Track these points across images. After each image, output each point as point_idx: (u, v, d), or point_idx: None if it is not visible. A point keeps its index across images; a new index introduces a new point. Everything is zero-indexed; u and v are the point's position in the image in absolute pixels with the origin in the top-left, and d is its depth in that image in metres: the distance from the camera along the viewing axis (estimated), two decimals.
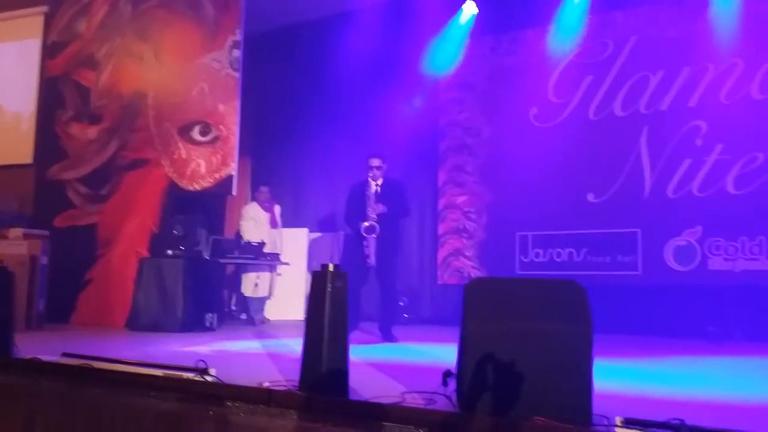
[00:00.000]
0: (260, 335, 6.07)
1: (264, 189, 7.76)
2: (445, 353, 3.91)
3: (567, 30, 7.21)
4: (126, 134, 7.52)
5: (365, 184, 5.70)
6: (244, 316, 7.72)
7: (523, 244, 7.26)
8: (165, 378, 3.09)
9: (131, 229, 7.20)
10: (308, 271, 7.83)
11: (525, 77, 7.46)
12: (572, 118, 7.19)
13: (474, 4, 7.71)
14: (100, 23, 7.90)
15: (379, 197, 5.64)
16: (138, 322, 6.26)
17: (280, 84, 8.64)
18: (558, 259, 7.03)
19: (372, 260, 5.51)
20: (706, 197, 6.38)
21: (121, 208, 7.34)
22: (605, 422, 2.34)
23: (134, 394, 3.01)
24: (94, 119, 7.74)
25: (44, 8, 8.36)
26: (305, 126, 8.50)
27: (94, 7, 7.95)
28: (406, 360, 4.44)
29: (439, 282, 7.82)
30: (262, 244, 7.23)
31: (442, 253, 7.82)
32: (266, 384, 2.98)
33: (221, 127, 7.06)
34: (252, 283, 7.40)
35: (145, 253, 6.94)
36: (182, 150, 7.19)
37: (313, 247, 8.27)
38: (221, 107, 7.09)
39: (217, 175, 7.04)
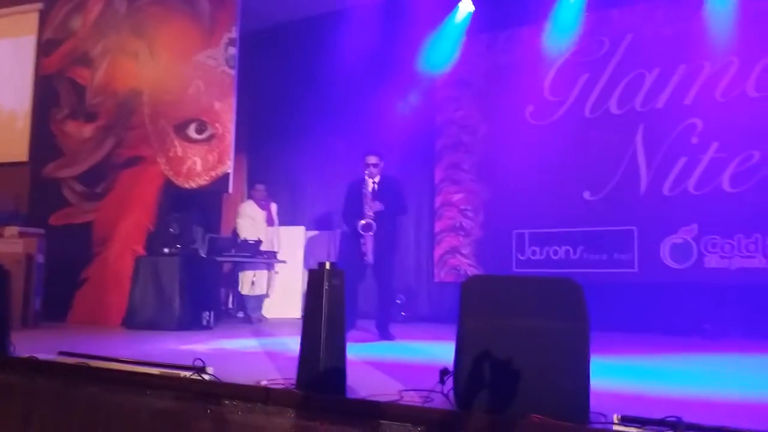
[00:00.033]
0: (257, 333, 6.07)
1: (260, 187, 7.75)
2: (442, 351, 3.91)
3: (563, 28, 7.22)
4: (121, 132, 7.49)
5: (362, 182, 5.69)
6: (241, 315, 7.72)
7: (519, 242, 7.27)
8: (162, 376, 3.09)
9: (127, 227, 7.19)
10: (305, 269, 7.82)
11: (521, 75, 7.47)
12: (568, 115, 7.20)
13: (470, 1, 7.70)
14: (95, 20, 7.87)
15: (376, 195, 5.63)
16: (134, 321, 6.24)
17: (276, 82, 8.62)
18: (555, 257, 7.05)
19: (369, 258, 5.51)
20: (702, 195, 6.40)
21: (117, 206, 7.32)
22: (602, 420, 2.34)
23: (131, 393, 3.00)
24: (90, 117, 7.72)
25: (39, 5, 8.33)
26: (301, 124, 8.49)
27: (89, 4, 7.92)
28: (404, 358, 4.45)
29: (435, 280, 7.82)
30: (258, 242, 7.22)
31: (438, 251, 7.82)
32: (264, 382, 2.98)
33: (217, 124, 7.05)
34: (249, 281, 7.40)
35: (141, 251, 6.92)
36: (178, 148, 7.17)
37: (309, 245, 8.26)
38: (217, 105, 7.07)
39: (213, 173, 7.03)
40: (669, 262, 6.47)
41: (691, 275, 6.34)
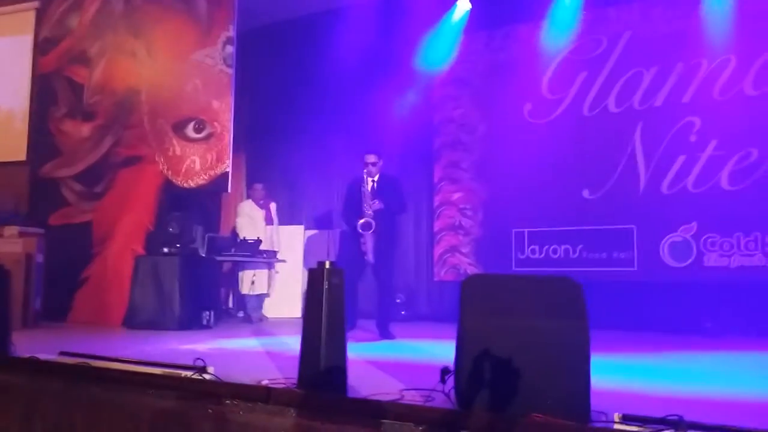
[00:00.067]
0: (258, 333, 6.07)
1: (258, 186, 7.74)
2: (442, 350, 3.92)
3: (560, 26, 7.22)
4: (120, 131, 7.49)
5: (361, 181, 5.70)
6: (241, 314, 7.72)
7: (519, 241, 7.28)
8: (163, 376, 3.09)
9: (126, 226, 7.18)
10: (305, 269, 7.82)
11: (519, 73, 7.47)
12: (566, 114, 7.20)
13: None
14: (92, 19, 7.86)
15: (376, 193, 5.64)
16: (135, 320, 6.24)
17: (274, 80, 8.62)
18: (554, 256, 7.05)
19: (370, 257, 5.51)
20: (700, 193, 6.41)
21: (116, 205, 7.31)
22: (603, 419, 2.35)
23: (132, 393, 3.00)
24: (88, 116, 7.71)
25: (36, 3, 8.31)
26: (300, 123, 8.48)
27: (85, 2, 7.91)
28: (404, 357, 4.45)
29: (435, 279, 7.82)
30: (258, 242, 7.22)
31: (438, 250, 7.82)
32: (265, 382, 2.99)
33: (215, 123, 7.04)
34: (249, 281, 7.40)
35: (141, 250, 6.92)
36: (176, 147, 7.17)
37: (309, 244, 8.26)
38: (215, 104, 7.07)
39: (212, 173, 7.02)
40: (668, 260, 6.48)
41: (690, 274, 6.35)
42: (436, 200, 7.90)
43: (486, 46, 7.77)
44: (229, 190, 7.21)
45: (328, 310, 2.85)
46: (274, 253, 7.54)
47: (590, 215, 6.91)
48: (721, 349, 4.99)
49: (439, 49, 7.81)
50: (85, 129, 7.69)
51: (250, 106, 8.53)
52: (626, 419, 2.27)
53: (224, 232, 8.02)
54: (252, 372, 3.36)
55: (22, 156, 8.11)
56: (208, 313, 6.41)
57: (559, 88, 7.25)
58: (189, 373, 3.07)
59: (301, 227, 8.36)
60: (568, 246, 7.00)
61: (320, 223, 8.46)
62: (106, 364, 3.37)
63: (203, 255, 6.94)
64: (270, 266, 7.59)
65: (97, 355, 3.52)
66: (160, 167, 7.19)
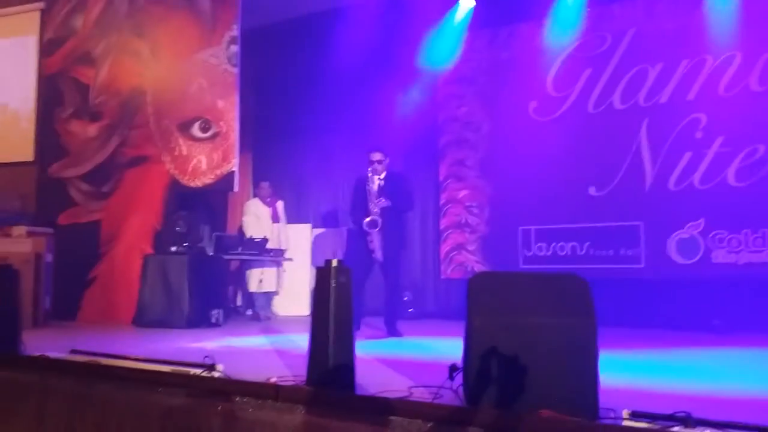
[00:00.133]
0: (266, 331, 6.09)
1: (264, 185, 7.77)
2: (450, 347, 3.92)
3: (565, 23, 7.20)
4: (126, 131, 7.52)
5: (366, 179, 5.70)
6: (249, 312, 7.74)
7: (525, 238, 7.27)
8: (172, 374, 3.12)
9: (134, 226, 7.22)
10: (312, 267, 7.84)
11: (523, 71, 7.45)
12: (572, 111, 7.19)
13: None
14: (96, 20, 7.89)
15: (383, 191, 5.64)
16: (144, 319, 6.28)
17: (279, 79, 8.63)
18: (561, 253, 7.05)
19: (378, 255, 5.51)
20: (707, 190, 6.39)
21: (123, 205, 7.35)
22: (612, 415, 2.36)
23: (142, 390, 3.03)
24: (94, 116, 7.75)
25: (41, 4, 8.35)
26: (305, 121, 8.49)
27: (89, 3, 7.94)
28: (412, 355, 4.46)
29: (442, 277, 7.83)
30: (265, 240, 7.24)
31: (444, 248, 7.83)
32: (273, 379, 3.00)
33: (221, 123, 7.06)
34: (257, 279, 7.43)
35: (148, 250, 6.96)
36: (183, 146, 7.20)
37: (316, 242, 8.28)
38: (220, 103, 7.09)
39: (218, 172, 7.04)
40: (676, 257, 6.47)
41: (698, 270, 6.33)
42: (442, 198, 7.90)
43: (490, 44, 7.76)
44: (236, 189, 7.23)
45: (335, 308, 2.87)
46: (282, 251, 7.57)
47: (597, 212, 6.90)
48: (729, 345, 4.97)
49: (443, 47, 7.80)
50: (92, 129, 7.73)
51: (256, 105, 8.55)
52: (635, 416, 2.27)
53: (231, 230, 8.05)
54: (261, 370, 3.37)
55: (29, 156, 8.16)
56: (216, 311, 6.43)
57: (564, 85, 7.24)
58: (198, 371, 3.10)
59: (309, 225, 8.38)
60: (575, 243, 6.99)
61: (327, 221, 8.48)
62: (115, 362, 3.40)
63: (211, 254, 6.97)
64: (278, 264, 7.62)
65: (107, 354, 3.56)
66: (167, 167, 7.22)
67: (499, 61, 7.67)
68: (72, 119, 7.88)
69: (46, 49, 8.21)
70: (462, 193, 7.77)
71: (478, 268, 7.45)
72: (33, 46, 8.36)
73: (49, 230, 6.87)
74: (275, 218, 7.66)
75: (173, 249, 6.50)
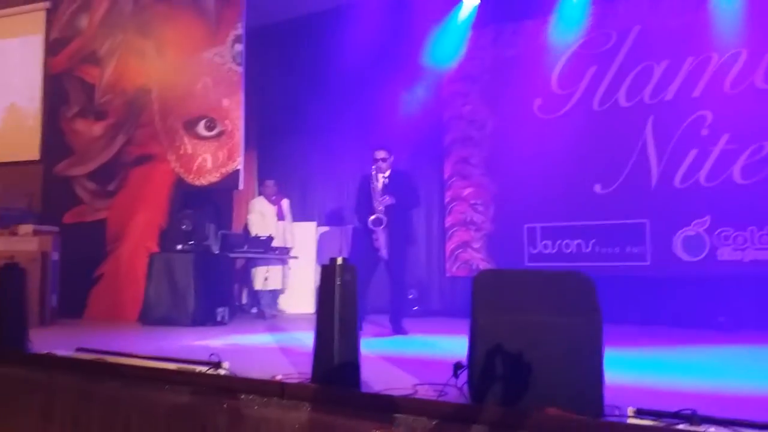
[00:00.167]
0: (272, 329, 6.10)
1: (269, 183, 7.78)
2: (455, 345, 3.93)
3: (569, 21, 7.18)
4: (131, 130, 7.55)
5: (370, 177, 5.70)
6: (254, 310, 7.76)
7: (531, 236, 7.27)
8: (179, 372, 3.13)
9: (140, 224, 7.25)
10: (318, 265, 7.86)
11: (528, 69, 7.43)
12: (577, 108, 7.17)
13: None
14: (102, 19, 7.92)
15: (387, 189, 5.64)
16: (150, 317, 6.30)
17: (284, 77, 8.63)
18: (567, 251, 7.04)
19: (384, 253, 5.52)
20: (713, 187, 6.37)
21: (129, 203, 7.38)
22: (617, 412, 2.36)
23: (149, 388, 3.05)
24: (99, 115, 7.78)
25: (46, 4, 8.38)
26: (310, 119, 8.50)
27: (95, 2, 7.97)
28: (417, 352, 4.46)
29: (447, 274, 7.83)
30: (270, 238, 7.25)
31: (450, 246, 7.82)
32: (279, 377, 3.00)
33: (226, 121, 7.08)
34: (262, 277, 7.43)
35: (154, 248, 6.99)
36: (188, 145, 7.22)
37: (321, 240, 8.29)
38: (225, 102, 7.10)
39: (223, 170, 7.06)
40: (681, 254, 6.45)
41: (703, 268, 6.31)
42: (447, 196, 7.90)
43: (494, 42, 7.74)
44: (241, 187, 7.25)
45: (340, 306, 2.87)
46: (287, 249, 7.58)
47: (602, 210, 6.89)
48: (734, 343, 4.96)
49: (447, 45, 7.79)
50: (97, 128, 7.76)
51: (261, 104, 8.56)
52: (640, 413, 2.27)
53: (237, 229, 8.07)
54: (266, 367, 3.38)
55: (35, 155, 8.20)
56: (222, 309, 6.45)
57: (569, 83, 7.23)
58: (204, 369, 3.11)
59: (314, 223, 8.39)
60: (580, 241, 6.98)
61: (332, 219, 8.49)
62: (122, 360, 3.42)
63: (216, 252, 6.99)
64: (283, 262, 7.63)
65: (114, 351, 3.57)
66: (172, 165, 7.24)
67: (503, 58, 7.66)
68: (77, 118, 7.91)
69: (52, 49, 8.25)
70: (467, 191, 7.76)
71: (484, 265, 7.45)
72: (39, 45, 8.39)
73: (55, 229, 6.90)
74: (280, 216, 7.67)
75: (179, 247, 6.52)
